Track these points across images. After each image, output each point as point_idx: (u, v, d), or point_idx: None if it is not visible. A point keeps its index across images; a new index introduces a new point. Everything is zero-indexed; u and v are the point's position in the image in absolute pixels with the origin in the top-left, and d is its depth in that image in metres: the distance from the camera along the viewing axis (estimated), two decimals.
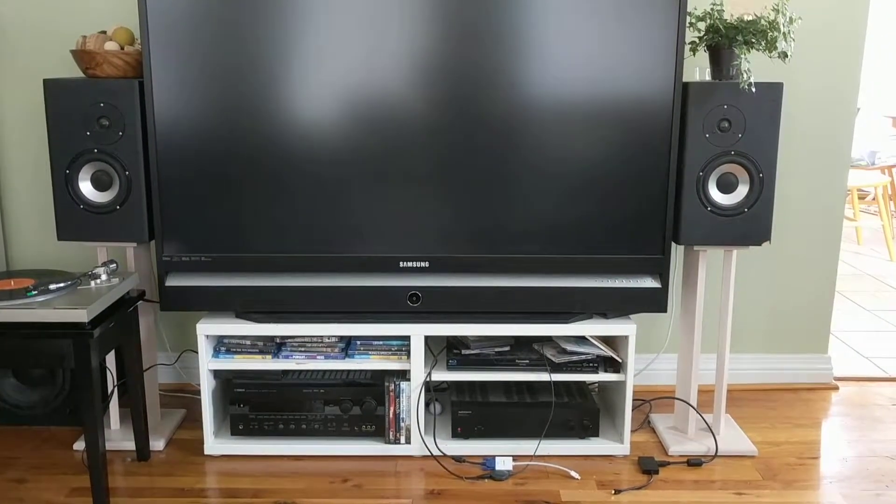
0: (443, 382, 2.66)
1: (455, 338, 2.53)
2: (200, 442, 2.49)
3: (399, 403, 2.45)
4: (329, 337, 2.46)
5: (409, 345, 2.43)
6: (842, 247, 2.96)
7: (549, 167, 2.34)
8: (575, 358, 2.45)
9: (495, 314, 2.43)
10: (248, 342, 2.46)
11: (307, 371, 2.52)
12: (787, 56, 2.23)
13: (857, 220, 5.24)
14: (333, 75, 2.28)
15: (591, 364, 2.45)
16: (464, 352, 2.46)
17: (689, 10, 2.28)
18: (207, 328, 2.42)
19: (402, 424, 2.47)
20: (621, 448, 2.49)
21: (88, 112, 2.27)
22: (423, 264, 2.39)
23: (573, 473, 2.38)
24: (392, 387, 2.44)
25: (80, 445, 2.50)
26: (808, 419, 2.78)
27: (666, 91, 2.29)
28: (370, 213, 2.37)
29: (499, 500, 2.26)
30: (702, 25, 2.30)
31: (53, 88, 2.27)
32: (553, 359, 2.45)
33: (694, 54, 2.34)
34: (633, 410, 2.50)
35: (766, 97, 2.26)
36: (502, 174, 2.35)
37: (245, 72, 2.28)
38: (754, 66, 2.24)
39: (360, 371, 2.51)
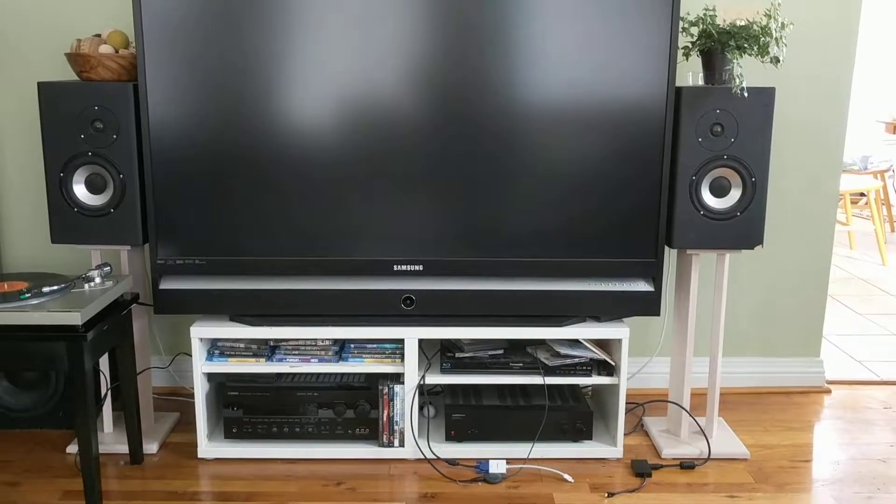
0: (436, 386, 2.66)
1: (449, 341, 2.53)
2: (194, 445, 2.48)
3: (393, 406, 2.45)
4: (323, 340, 2.46)
5: (402, 348, 2.43)
6: (834, 251, 2.97)
7: (542, 171, 2.35)
8: (568, 361, 2.45)
9: (489, 317, 2.43)
10: (242, 345, 2.46)
11: (301, 374, 2.52)
12: (779, 61, 2.24)
13: (849, 224, 5.26)
14: (328, 79, 2.29)
15: (584, 367, 2.45)
16: (457, 355, 2.46)
17: (682, 15, 2.29)
18: (201, 331, 2.41)
19: (395, 427, 2.47)
20: (614, 451, 2.50)
21: (83, 115, 2.27)
22: (417, 267, 2.39)
23: (566, 476, 2.38)
24: (386, 390, 2.45)
25: (73, 448, 2.49)
26: (801, 422, 2.79)
27: (659, 95, 2.30)
28: (364, 216, 2.37)
29: (492, 503, 2.26)
30: (695, 30, 2.31)
31: (48, 91, 2.27)
32: (546, 362, 2.45)
33: (687, 59, 2.35)
34: (626, 413, 2.50)
35: (759, 102, 2.27)
36: (496, 178, 2.35)
37: (239, 75, 2.28)
38: (746, 71, 2.25)
39: (354, 374, 2.51)
